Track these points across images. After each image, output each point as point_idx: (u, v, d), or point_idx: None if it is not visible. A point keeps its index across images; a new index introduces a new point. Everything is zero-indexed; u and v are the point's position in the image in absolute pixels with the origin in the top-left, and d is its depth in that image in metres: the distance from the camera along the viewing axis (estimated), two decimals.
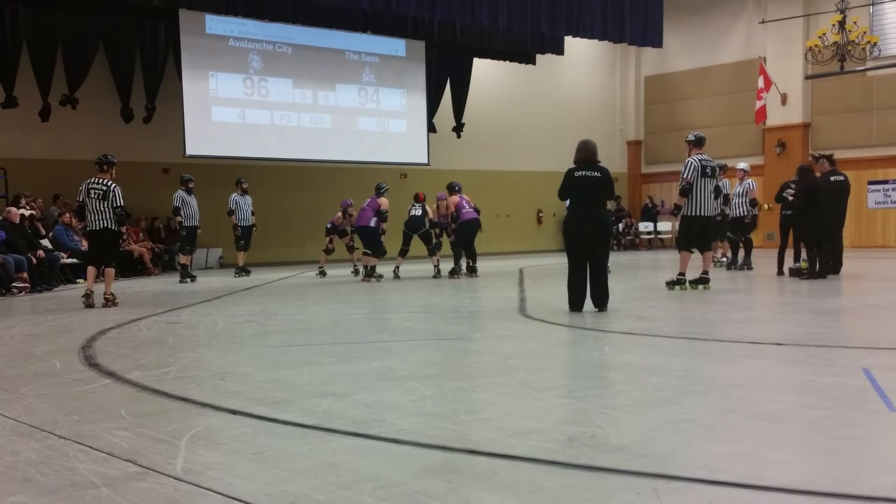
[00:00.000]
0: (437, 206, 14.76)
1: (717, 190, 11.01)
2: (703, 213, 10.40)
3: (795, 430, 3.72)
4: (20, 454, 3.51)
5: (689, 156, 10.46)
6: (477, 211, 14.28)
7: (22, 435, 3.84)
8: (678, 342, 6.50)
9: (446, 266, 14.55)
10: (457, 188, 14.46)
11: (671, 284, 10.59)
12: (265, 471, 3.21)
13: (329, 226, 15.50)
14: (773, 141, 23.15)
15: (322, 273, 15.27)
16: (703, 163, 10.32)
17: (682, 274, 10.51)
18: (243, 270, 15.74)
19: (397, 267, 14.71)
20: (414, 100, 20.87)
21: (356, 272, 15.23)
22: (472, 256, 14.50)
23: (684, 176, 10.35)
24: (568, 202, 8.78)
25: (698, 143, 10.57)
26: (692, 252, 10.63)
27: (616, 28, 19.18)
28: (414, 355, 6.19)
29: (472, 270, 14.43)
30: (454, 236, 14.25)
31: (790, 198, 12.44)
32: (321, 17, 18.24)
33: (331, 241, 15.46)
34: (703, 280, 10.57)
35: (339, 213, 15.36)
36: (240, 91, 18.31)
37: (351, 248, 15.54)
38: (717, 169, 10.95)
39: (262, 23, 18.21)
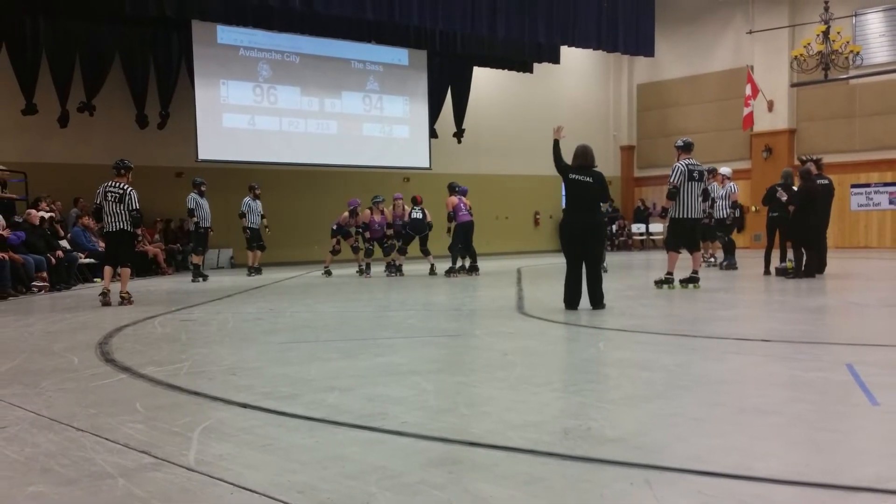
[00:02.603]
0: (394, 207, 15.12)
1: (706, 193, 10.97)
2: (689, 216, 10.40)
3: (782, 424, 3.71)
4: (40, 446, 3.52)
5: (677, 160, 10.46)
6: (470, 213, 14.40)
7: (41, 427, 3.85)
8: (669, 339, 6.50)
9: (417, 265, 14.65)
10: (456, 189, 14.53)
11: (660, 283, 10.58)
12: (274, 462, 3.21)
13: (335, 227, 15.49)
14: (760, 146, 23.15)
15: (328, 272, 15.28)
16: (689, 167, 10.32)
17: (669, 273, 10.52)
18: (255, 269, 15.87)
19: (399, 264, 15.03)
20: (416, 107, 20.87)
21: (360, 272, 15.27)
22: (473, 256, 14.55)
23: (671, 180, 10.37)
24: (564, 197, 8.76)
25: (686, 148, 10.57)
26: (680, 252, 10.63)
27: (610, 38, 19.17)
28: (416, 351, 6.19)
29: (473, 269, 14.47)
30: (451, 237, 14.36)
31: (783, 199, 12.41)
32: (327, 28, 18.24)
33: (338, 243, 15.46)
34: (692, 279, 10.56)
35: (346, 213, 15.36)
36: (250, 98, 18.33)
37: (356, 249, 15.54)
38: (706, 173, 10.93)
39: (271, 33, 18.22)
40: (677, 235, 10.59)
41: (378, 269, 15.03)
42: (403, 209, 15.03)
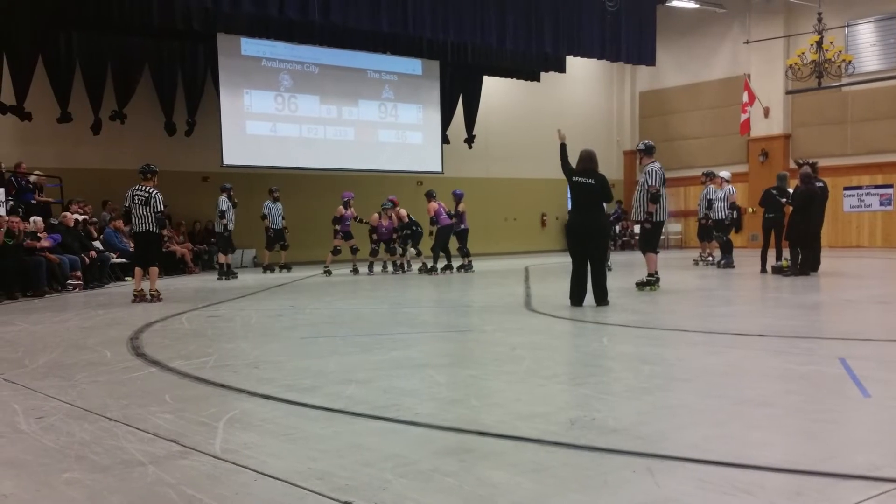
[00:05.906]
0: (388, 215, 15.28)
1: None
2: (664, 219, 9.94)
3: (777, 415, 3.70)
4: (74, 435, 3.54)
5: (639, 163, 9.89)
6: (450, 216, 14.71)
7: (76, 417, 3.87)
8: (670, 334, 6.48)
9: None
10: (434, 196, 14.82)
11: (641, 286, 9.91)
12: (295, 450, 3.22)
13: (337, 228, 15.45)
14: (757, 151, 23.02)
15: (327, 272, 15.17)
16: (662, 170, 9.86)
17: (650, 274, 9.89)
18: (280, 267, 16.27)
19: (408, 262, 15.59)
20: (429, 114, 20.88)
21: (371, 270, 15.39)
22: (448, 256, 15.07)
23: (652, 183, 9.68)
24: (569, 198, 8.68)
25: (649, 151, 9.96)
26: (658, 252, 10.12)
27: (613, 48, 19.10)
28: (429, 346, 6.19)
29: (447, 268, 14.98)
30: (433, 240, 14.76)
31: (783, 200, 12.31)
32: (345, 40, 18.24)
33: (338, 244, 15.45)
34: (650, 282, 9.93)
35: (340, 206, 15.48)
36: (272, 107, 18.38)
37: (354, 251, 15.57)
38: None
39: (292, 45, 18.26)
40: (657, 237, 10.07)
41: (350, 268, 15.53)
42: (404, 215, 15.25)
